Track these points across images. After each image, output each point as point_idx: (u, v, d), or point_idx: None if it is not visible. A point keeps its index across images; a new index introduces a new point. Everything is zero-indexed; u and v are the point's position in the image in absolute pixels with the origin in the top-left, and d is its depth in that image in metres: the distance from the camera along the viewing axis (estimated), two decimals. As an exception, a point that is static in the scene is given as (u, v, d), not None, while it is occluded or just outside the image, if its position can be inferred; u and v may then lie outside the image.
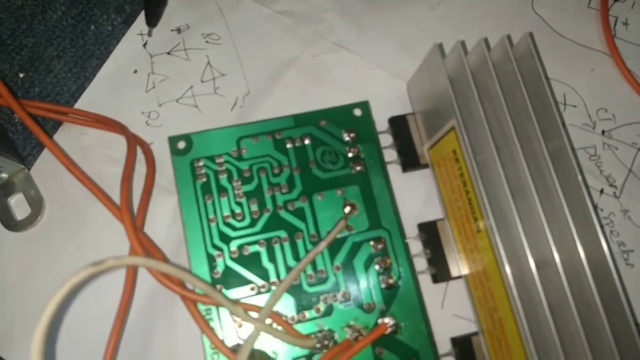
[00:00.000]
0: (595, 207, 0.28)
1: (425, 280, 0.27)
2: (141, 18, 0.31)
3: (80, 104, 0.29)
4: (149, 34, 0.30)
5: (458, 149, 0.24)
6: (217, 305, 0.24)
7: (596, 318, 0.21)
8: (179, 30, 0.31)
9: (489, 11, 0.32)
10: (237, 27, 0.31)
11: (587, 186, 0.25)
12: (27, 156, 0.28)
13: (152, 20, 0.30)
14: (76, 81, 0.30)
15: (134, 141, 0.27)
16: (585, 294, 0.22)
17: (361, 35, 0.31)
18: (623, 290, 0.21)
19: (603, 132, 0.30)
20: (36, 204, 0.27)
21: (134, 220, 0.24)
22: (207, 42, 0.31)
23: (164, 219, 0.27)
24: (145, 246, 0.24)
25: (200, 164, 0.27)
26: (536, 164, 0.23)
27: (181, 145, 0.27)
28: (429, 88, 0.27)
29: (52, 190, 0.28)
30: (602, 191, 0.29)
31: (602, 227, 0.26)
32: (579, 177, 0.22)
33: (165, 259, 0.26)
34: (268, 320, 0.24)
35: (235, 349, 0.23)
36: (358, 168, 0.27)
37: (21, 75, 0.30)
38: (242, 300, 0.25)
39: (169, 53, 0.30)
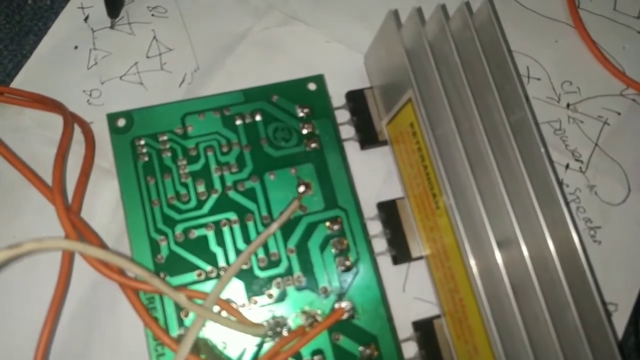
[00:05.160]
0: (560, 183, 0.27)
1: (385, 262, 0.25)
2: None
3: (16, 83, 0.27)
4: (112, 26, 0.28)
5: (415, 121, 0.23)
6: (158, 293, 0.22)
7: (561, 297, 0.20)
8: (122, 3, 0.29)
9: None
10: (185, -1, 0.29)
11: (551, 160, 0.24)
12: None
13: (114, 11, 0.28)
14: (12, 59, 0.28)
15: (70, 118, 0.25)
16: (550, 272, 0.21)
17: (317, 6, 0.29)
18: (590, 268, 0.20)
19: (568, 105, 0.29)
20: (-33, 190, 0.25)
21: (68, 203, 0.22)
22: (152, 15, 0.29)
23: (106, 205, 0.25)
24: (80, 231, 0.22)
25: (142, 142, 0.25)
26: (497, 137, 0.22)
27: (121, 122, 0.25)
28: (386, 59, 0.25)
29: (-15, 175, 0.26)
30: (567, 166, 0.28)
31: (567, 202, 0.25)
32: (542, 149, 0.21)
33: (103, 246, 0.24)
34: (216, 308, 0.23)
35: (180, 340, 0.22)
36: (313, 145, 0.26)
37: (-48, 53, 0.28)
38: (190, 288, 0.23)
39: (112, 27, 0.28)
